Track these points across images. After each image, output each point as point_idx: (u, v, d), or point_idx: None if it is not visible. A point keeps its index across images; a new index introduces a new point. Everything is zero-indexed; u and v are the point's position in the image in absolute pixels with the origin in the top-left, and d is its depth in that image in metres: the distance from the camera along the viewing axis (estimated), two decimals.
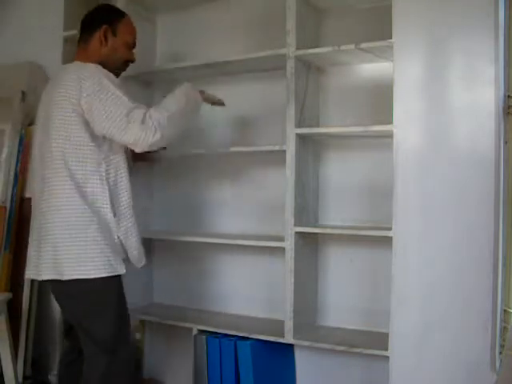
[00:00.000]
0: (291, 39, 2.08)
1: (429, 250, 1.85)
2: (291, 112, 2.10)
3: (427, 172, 1.86)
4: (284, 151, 2.10)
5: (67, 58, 2.61)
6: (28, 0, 2.97)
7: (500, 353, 1.77)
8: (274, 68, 2.28)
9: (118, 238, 1.79)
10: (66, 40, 2.57)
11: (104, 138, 1.77)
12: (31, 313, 2.59)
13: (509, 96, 1.84)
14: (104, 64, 1.85)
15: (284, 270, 2.11)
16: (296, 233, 2.09)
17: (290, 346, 2.30)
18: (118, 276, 1.78)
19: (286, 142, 2.10)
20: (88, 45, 1.91)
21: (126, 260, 1.85)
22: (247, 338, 2.18)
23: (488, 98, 1.78)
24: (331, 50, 2.04)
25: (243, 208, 2.47)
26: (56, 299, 1.89)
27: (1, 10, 3.01)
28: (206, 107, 2.10)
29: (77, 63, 1.87)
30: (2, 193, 2.57)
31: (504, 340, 1.78)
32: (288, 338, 2.11)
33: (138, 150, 1.76)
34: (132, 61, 2.01)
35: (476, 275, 1.79)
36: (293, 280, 2.09)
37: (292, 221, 2.09)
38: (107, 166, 1.78)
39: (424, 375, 1.85)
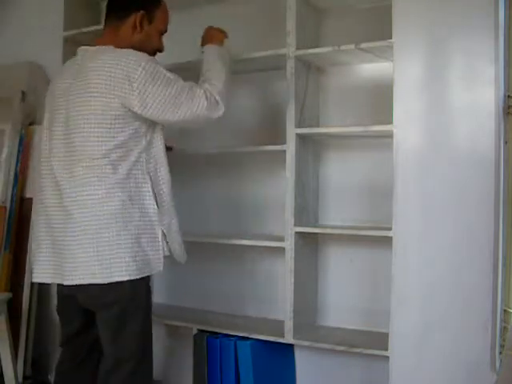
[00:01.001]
0: (291, 39, 2.08)
1: (429, 250, 1.85)
2: (291, 112, 2.10)
3: (427, 172, 1.86)
4: (284, 151, 2.10)
5: (67, 58, 2.61)
6: (28, 0, 2.97)
7: (500, 353, 1.77)
8: (273, 68, 2.28)
9: (162, 231, 1.71)
10: (66, 40, 2.57)
11: (147, 128, 1.70)
12: (31, 313, 2.59)
13: (509, 96, 1.84)
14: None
15: (284, 270, 2.11)
16: (296, 233, 2.09)
17: (290, 346, 2.30)
18: (148, 276, 1.70)
19: (286, 142, 2.10)
20: (119, 29, 1.77)
21: (169, 256, 1.77)
22: (247, 338, 2.18)
23: (488, 98, 1.78)
24: (331, 50, 2.04)
25: (243, 208, 2.47)
26: (76, 303, 1.73)
27: (1, 10, 3.01)
28: None
29: (111, 48, 1.70)
30: (2, 193, 2.57)
31: (504, 340, 1.78)
32: (288, 338, 2.10)
33: (201, 126, 1.90)
34: (161, 50, 1.91)
35: (476, 275, 1.79)
36: (293, 280, 2.09)
37: (292, 221, 2.09)
38: (148, 156, 1.71)
39: (424, 375, 1.85)
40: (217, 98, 1.74)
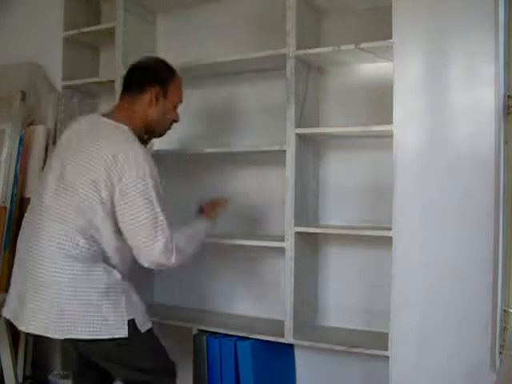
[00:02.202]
0: (291, 39, 2.08)
1: (429, 250, 1.85)
2: (291, 112, 2.10)
3: (427, 172, 1.86)
4: (284, 151, 2.10)
5: (67, 58, 2.62)
6: (28, 0, 2.98)
7: (500, 353, 1.77)
8: (274, 68, 2.28)
9: (126, 297, 1.72)
10: (66, 40, 2.58)
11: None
12: None
13: (509, 96, 1.84)
14: (149, 125, 1.81)
15: (284, 270, 2.11)
16: (296, 233, 2.09)
17: (290, 346, 2.30)
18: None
19: (286, 142, 2.10)
20: (134, 103, 1.82)
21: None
22: (247, 338, 2.18)
23: (488, 98, 1.78)
24: (331, 50, 2.04)
25: (243, 208, 2.46)
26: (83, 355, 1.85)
27: (1, 10, 3.02)
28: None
29: (124, 130, 1.74)
30: (1, 193, 2.57)
31: (504, 340, 1.78)
32: (288, 338, 2.10)
33: (145, 264, 1.72)
34: (177, 121, 1.94)
35: (476, 275, 1.79)
36: (293, 280, 2.09)
37: (292, 221, 2.09)
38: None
39: (424, 375, 1.85)
40: (174, 249, 1.70)
